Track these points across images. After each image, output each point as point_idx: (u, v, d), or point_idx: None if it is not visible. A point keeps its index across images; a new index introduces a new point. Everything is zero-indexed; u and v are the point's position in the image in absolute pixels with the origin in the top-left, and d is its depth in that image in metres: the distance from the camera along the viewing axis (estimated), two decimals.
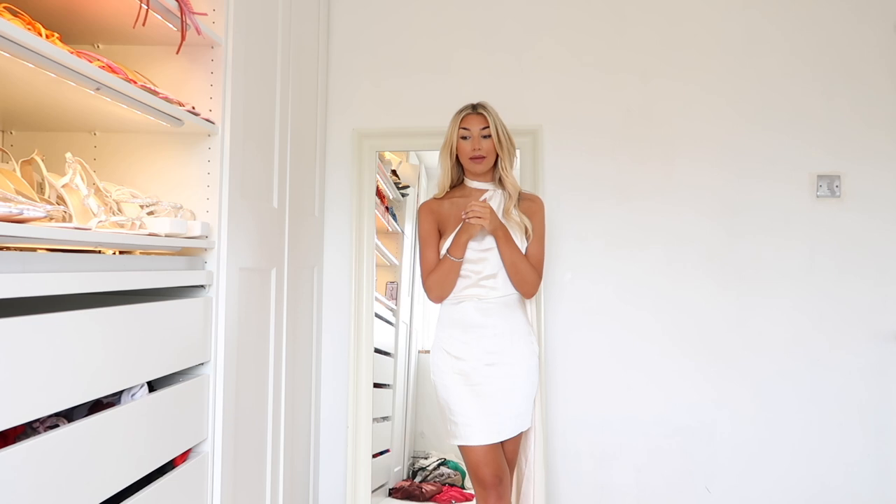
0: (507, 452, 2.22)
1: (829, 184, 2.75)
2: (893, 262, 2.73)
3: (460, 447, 2.18)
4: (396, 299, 3.65)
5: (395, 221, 3.68)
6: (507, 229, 2.18)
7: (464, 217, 2.11)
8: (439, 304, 2.26)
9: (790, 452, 2.73)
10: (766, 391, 2.75)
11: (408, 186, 3.78)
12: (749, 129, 2.80)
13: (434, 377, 2.23)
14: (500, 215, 2.22)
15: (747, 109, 2.80)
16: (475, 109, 2.23)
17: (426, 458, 3.65)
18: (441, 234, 2.23)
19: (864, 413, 2.71)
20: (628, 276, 2.81)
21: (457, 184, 2.30)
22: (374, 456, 2.99)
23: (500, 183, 2.26)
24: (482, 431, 2.13)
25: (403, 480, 3.48)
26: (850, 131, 2.75)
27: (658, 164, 2.82)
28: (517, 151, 2.34)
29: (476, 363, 2.17)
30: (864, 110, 2.75)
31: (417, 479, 3.47)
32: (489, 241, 2.19)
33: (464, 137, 2.21)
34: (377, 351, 3.11)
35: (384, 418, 3.39)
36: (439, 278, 2.19)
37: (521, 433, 2.25)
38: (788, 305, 2.75)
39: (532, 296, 2.27)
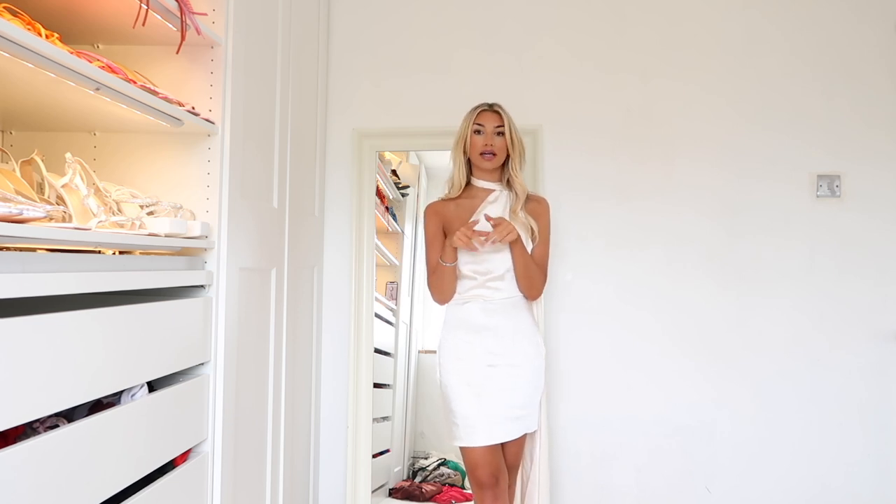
0: (510, 455, 2.21)
1: (829, 184, 2.75)
2: (893, 262, 2.72)
3: (460, 447, 2.18)
4: (396, 299, 3.65)
5: (395, 221, 3.68)
6: (520, 237, 2.18)
7: (491, 239, 2.10)
8: (444, 306, 2.27)
9: (791, 452, 2.73)
10: (766, 391, 2.75)
11: (408, 186, 3.78)
12: (749, 129, 2.80)
13: (439, 377, 2.23)
14: (506, 215, 2.22)
15: (747, 109, 2.80)
16: (491, 107, 2.25)
17: (426, 458, 3.65)
18: (446, 236, 2.22)
19: (865, 413, 2.71)
20: (628, 275, 2.81)
21: (466, 184, 2.30)
22: (374, 456, 2.99)
23: (509, 184, 2.26)
24: (482, 433, 2.12)
25: (403, 480, 3.48)
26: (850, 131, 2.75)
27: (658, 164, 2.82)
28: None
29: (479, 363, 2.17)
30: (864, 110, 2.75)
31: (417, 479, 3.47)
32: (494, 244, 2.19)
33: (477, 132, 2.22)
34: (377, 351, 3.11)
35: (384, 418, 3.39)
36: (437, 282, 2.22)
37: (526, 435, 2.24)
38: (788, 305, 2.75)
39: (536, 298, 2.28)
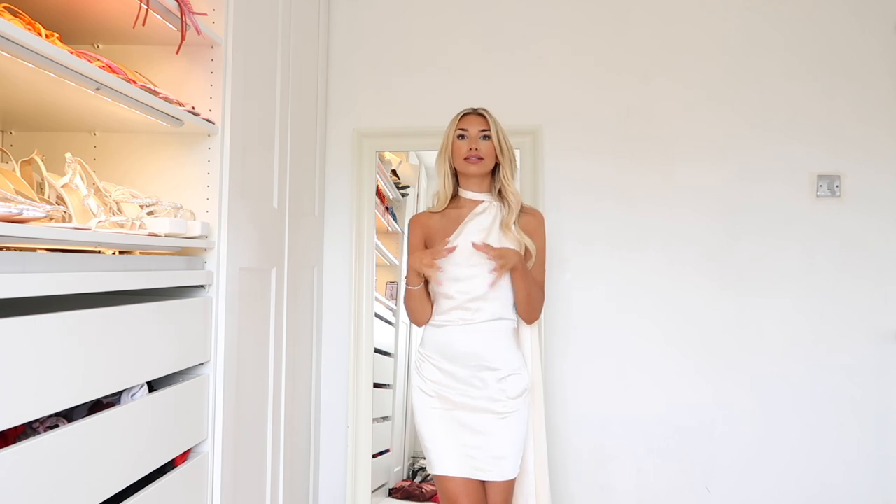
0: (497, 502, 2.01)
1: (829, 184, 2.75)
2: (893, 262, 2.72)
3: (436, 478, 2.02)
4: (396, 299, 3.64)
5: (395, 221, 3.67)
6: (523, 261, 2.01)
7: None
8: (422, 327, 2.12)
9: (790, 452, 2.73)
10: (765, 391, 2.75)
11: (408, 186, 3.78)
12: (749, 129, 2.79)
13: (412, 399, 2.08)
14: (496, 229, 2.06)
15: (747, 110, 2.80)
16: (475, 111, 2.11)
17: (426, 458, 3.65)
18: (428, 249, 2.07)
19: (864, 413, 2.71)
20: (628, 276, 2.81)
21: (454, 195, 2.15)
22: (374, 456, 2.99)
23: (500, 195, 2.10)
24: (456, 463, 1.97)
25: (403, 480, 3.48)
26: (850, 131, 2.75)
27: (658, 164, 2.82)
28: (518, 162, 2.17)
29: (454, 393, 2.01)
30: (864, 111, 2.75)
31: (417, 479, 3.46)
32: (477, 259, 2.01)
33: (461, 136, 2.07)
34: (377, 351, 3.11)
35: (384, 418, 3.38)
36: (407, 302, 2.07)
37: (511, 482, 2.02)
38: (788, 306, 2.75)
39: (534, 321, 2.10)
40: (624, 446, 2.79)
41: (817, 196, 2.76)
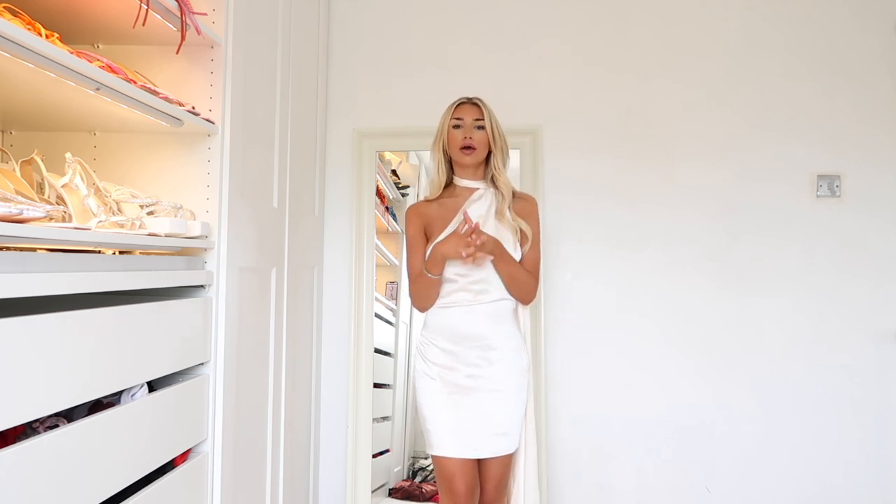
0: (493, 477, 2.08)
1: (829, 184, 2.75)
2: (893, 262, 2.72)
3: (433, 457, 2.07)
4: (396, 299, 3.64)
5: (395, 221, 3.67)
6: (501, 246, 2.04)
7: (464, 255, 1.94)
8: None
9: (790, 452, 2.73)
10: (765, 391, 2.75)
11: (408, 186, 3.78)
12: (749, 129, 2.80)
13: (414, 380, 2.14)
14: (492, 216, 2.11)
15: (747, 110, 2.80)
16: (470, 100, 2.14)
17: (426, 458, 3.65)
18: (428, 238, 2.11)
19: (864, 412, 2.71)
20: (628, 276, 2.81)
21: (448, 184, 2.19)
22: (374, 456, 2.99)
23: (493, 182, 2.14)
24: (454, 443, 2.02)
25: (403, 480, 3.47)
26: (850, 131, 2.75)
27: (658, 164, 2.82)
28: (511, 153, 2.22)
29: (459, 376, 2.06)
30: (864, 110, 2.75)
31: (417, 479, 3.46)
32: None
33: (456, 126, 2.10)
34: (377, 351, 3.11)
35: (384, 418, 3.38)
36: (419, 292, 2.09)
37: (510, 455, 2.10)
38: (788, 306, 2.75)
39: (530, 302, 2.15)
40: (624, 446, 2.79)
41: (817, 196, 2.76)
